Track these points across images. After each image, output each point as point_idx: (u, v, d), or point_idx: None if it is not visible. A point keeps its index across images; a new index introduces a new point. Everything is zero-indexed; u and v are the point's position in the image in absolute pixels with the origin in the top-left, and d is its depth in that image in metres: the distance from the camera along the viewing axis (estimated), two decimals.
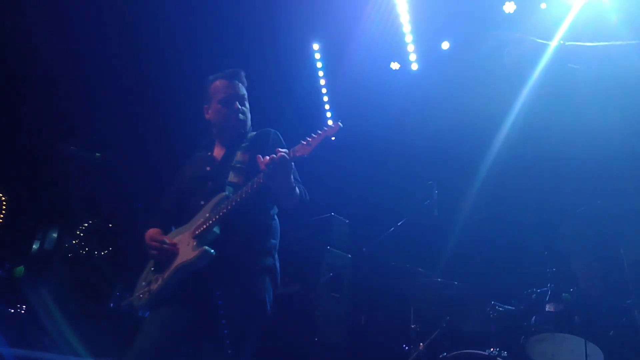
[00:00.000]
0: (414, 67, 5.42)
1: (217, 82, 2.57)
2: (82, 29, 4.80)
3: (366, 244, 4.20)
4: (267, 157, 2.13)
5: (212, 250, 2.16)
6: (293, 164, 2.15)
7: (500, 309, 3.32)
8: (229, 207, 2.21)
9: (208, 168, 2.53)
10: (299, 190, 2.26)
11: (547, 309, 3.12)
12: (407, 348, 3.82)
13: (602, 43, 3.04)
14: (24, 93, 4.90)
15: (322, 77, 6.09)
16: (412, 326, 3.85)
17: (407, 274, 3.82)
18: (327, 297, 4.58)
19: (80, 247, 7.12)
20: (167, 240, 2.31)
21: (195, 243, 2.21)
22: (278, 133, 2.60)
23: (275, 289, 2.35)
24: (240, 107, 2.55)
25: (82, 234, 7.19)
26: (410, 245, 4.28)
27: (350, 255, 4.94)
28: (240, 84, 2.58)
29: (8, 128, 5.12)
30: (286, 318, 4.48)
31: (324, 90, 6.18)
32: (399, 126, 5.42)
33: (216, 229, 2.22)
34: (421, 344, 3.61)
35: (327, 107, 6.25)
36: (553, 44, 3.82)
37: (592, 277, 3.39)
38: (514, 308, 3.32)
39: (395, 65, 5.57)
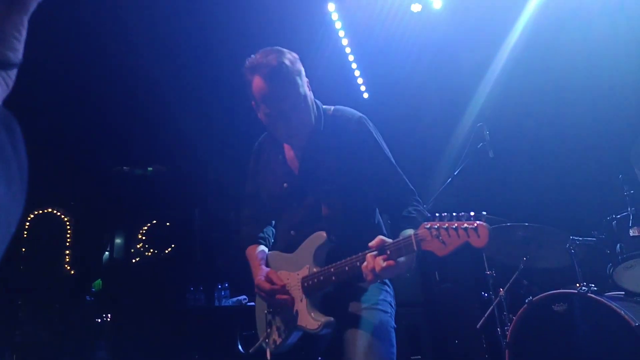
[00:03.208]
0: (437, 5, 5.11)
1: (257, 81, 1.89)
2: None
3: (426, 200, 4.11)
4: (370, 267, 1.65)
5: (333, 320, 1.84)
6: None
7: (580, 242, 3.18)
8: (342, 277, 1.79)
9: (285, 185, 2.03)
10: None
11: (631, 234, 2.96)
12: (486, 295, 3.77)
13: None
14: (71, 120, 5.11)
15: (343, 37, 5.86)
16: (487, 272, 3.79)
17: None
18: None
19: (145, 249, 7.37)
20: (278, 283, 1.93)
21: (308, 303, 1.88)
22: (364, 121, 1.98)
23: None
24: (292, 114, 1.89)
25: (144, 237, 7.43)
26: (470, 193, 4.16)
27: None
28: (287, 78, 1.86)
29: (63, 159, 5.38)
30: None
31: (347, 50, 5.97)
32: (434, 70, 5.19)
33: (329, 288, 1.89)
34: (501, 289, 3.55)
35: (354, 65, 6.05)
36: None
37: None
38: (595, 239, 3.18)
39: (416, 7, 5.28)
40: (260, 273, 1.99)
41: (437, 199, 3.92)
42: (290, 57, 1.92)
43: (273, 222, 2.26)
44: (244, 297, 5.09)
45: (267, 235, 2.22)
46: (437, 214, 1.55)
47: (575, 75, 3.98)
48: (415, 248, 1.58)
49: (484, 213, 1.47)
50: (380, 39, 5.49)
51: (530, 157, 4.16)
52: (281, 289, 1.92)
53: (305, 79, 1.96)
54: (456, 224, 1.49)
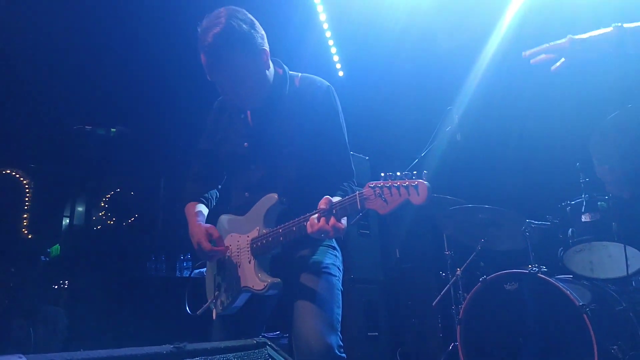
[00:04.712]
0: None
1: (202, 57, 1.90)
2: None
3: None
4: (316, 222, 1.69)
5: (280, 280, 1.89)
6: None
7: (535, 225, 3.32)
8: (289, 237, 1.82)
9: (246, 144, 2.03)
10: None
11: (583, 220, 3.12)
12: (444, 274, 3.90)
13: None
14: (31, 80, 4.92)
15: (321, 12, 5.83)
16: (447, 252, 3.92)
17: (436, 203, 3.82)
18: (357, 235, 4.64)
19: (107, 217, 7.26)
20: (219, 243, 1.99)
21: (256, 265, 1.91)
22: (331, 92, 2.03)
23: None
24: (237, 85, 1.91)
25: (106, 205, 7.31)
26: (436, 175, 4.25)
27: None
28: (229, 53, 1.84)
29: (22, 117, 5.20)
30: None
31: (325, 26, 5.94)
32: (412, 54, 5.24)
33: (277, 250, 1.92)
34: (458, 269, 3.68)
35: (330, 42, 6.04)
36: None
37: (618, 181, 3.36)
38: (549, 223, 3.33)
39: None
40: (199, 230, 1.99)
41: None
42: (234, 22, 1.86)
43: (219, 185, 2.27)
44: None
45: (210, 197, 2.21)
46: (382, 174, 1.58)
47: (540, 65, 4.09)
48: (359, 206, 1.62)
49: (425, 172, 1.54)
50: (360, 18, 5.49)
51: (495, 143, 4.29)
52: (224, 249, 1.97)
53: (259, 40, 1.93)
54: (398, 183, 1.53)
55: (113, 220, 7.17)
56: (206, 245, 1.96)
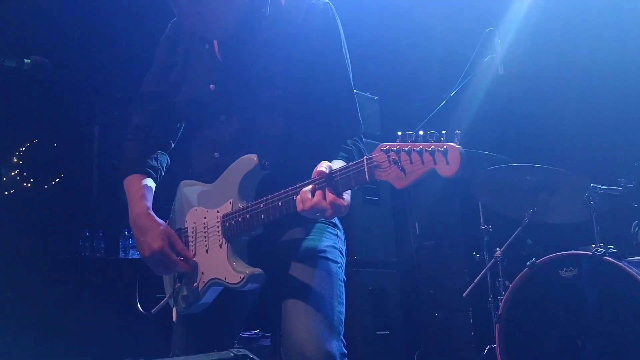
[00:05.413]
0: None
1: None
2: None
3: (407, 125, 4.16)
4: (309, 197, 1.63)
5: (261, 271, 1.86)
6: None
7: (602, 191, 3.33)
8: (274, 215, 1.78)
9: (212, 86, 1.98)
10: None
11: None
12: (478, 256, 3.94)
13: None
14: None
15: None
16: (482, 227, 3.95)
17: (470, 162, 3.81)
18: (362, 203, 4.64)
19: (22, 178, 7.22)
20: (187, 255, 1.97)
21: (229, 250, 1.89)
22: (331, 11, 1.98)
23: None
24: (199, 6, 1.86)
25: (21, 162, 7.25)
26: (468, 122, 4.23)
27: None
28: None
29: None
30: None
31: None
32: None
33: (258, 231, 1.89)
34: (498, 249, 3.71)
35: None
36: None
37: None
38: (621, 188, 3.34)
39: None
40: (155, 228, 1.93)
41: (425, 128, 3.98)
42: None
43: (172, 144, 2.20)
44: None
45: (159, 166, 2.13)
46: (399, 133, 1.47)
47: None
48: (367, 177, 1.53)
49: (458, 132, 1.43)
50: None
51: (550, 80, 4.24)
52: (186, 266, 1.95)
53: None
54: (421, 146, 1.42)
55: (30, 182, 7.13)
56: (172, 255, 1.92)
